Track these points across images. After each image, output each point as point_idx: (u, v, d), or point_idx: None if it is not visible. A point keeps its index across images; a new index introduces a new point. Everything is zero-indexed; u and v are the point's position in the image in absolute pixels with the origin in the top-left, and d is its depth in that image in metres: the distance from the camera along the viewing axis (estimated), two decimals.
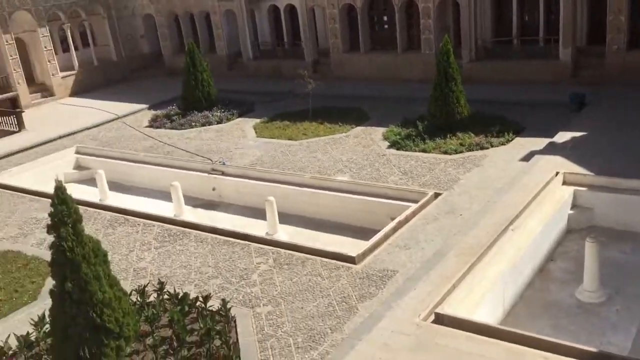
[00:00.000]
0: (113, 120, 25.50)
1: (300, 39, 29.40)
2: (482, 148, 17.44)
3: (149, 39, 34.51)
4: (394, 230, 13.18)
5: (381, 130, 20.21)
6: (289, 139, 20.45)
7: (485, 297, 10.79)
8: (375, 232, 13.35)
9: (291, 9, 29.68)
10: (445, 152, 17.45)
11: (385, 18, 27.60)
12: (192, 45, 24.57)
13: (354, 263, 11.98)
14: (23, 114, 25.53)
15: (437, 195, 14.78)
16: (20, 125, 24.88)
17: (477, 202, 14.11)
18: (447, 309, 9.88)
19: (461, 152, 17.35)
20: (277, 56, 30.29)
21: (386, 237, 12.92)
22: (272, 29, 30.98)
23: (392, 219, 13.81)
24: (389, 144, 18.91)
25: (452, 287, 10.50)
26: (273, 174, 17.45)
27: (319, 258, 12.37)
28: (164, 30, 33.22)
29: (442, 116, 18.50)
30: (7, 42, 27.96)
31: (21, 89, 28.66)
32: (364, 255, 12.19)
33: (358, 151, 18.66)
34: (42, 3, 29.20)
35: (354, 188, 15.92)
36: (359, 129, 20.81)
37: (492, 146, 17.50)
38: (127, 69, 33.50)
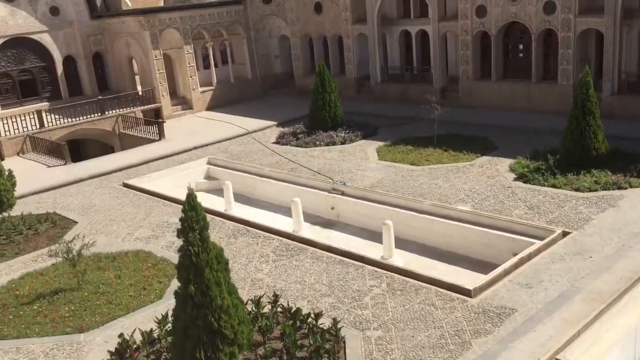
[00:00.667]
0: (243, 135, 26.68)
1: (429, 64, 29.22)
2: (619, 188, 16.24)
3: (282, 59, 35.88)
4: (515, 266, 12.57)
5: (508, 161, 19.47)
6: (411, 164, 20.27)
7: (613, 350, 9.95)
8: (495, 266, 12.81)
9: (422, 35, 29.62)
10: (578, 189, 16.44)
11: (520, 47, 26.69)
12: (323, 67, 25.19)
13: (470, 296, 11.55)
14: (164, 124, 27.45)
15: (565, 233, 13.93)
16: (161, 135, 26.74)
17: (610, 245, 13.12)
18: (569, 357, 9.21)
19: (595, 190, 16.26)
20: (405, 81, 30.26)
21: (506, 272, 12.35)
22: (402, 53, 31.08)
23: (514, 254, 13.18)
24: (515, 176, 18.16)
25: (577, 333, 9.80)
26: (392, 197, 17.35)
27: (433, 287, 12.08)
28: (297, 51, 34.40)
29: (577, 151, 17.49)
30: (156, 57, 30.31)
31: (164, 101, 30.86)
32: (481, 289, 11.72)
33: (482, 181, 18.08)
34: (189, 23, 31.39)
35: (475, 219, 15.41)
36: (484, 158, 20.19)
37: (631, 186, 16.25)
38: (261, 87, 35.00)
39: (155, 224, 17.14)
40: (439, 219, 15.83)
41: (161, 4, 33.78)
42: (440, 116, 21.93)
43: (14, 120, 26.18)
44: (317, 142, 24.02)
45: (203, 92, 32.52)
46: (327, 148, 23.47)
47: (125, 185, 21.13)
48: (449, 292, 11.81)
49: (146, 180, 21.59)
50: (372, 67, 30.94)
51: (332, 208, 18.25)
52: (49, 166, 24.04)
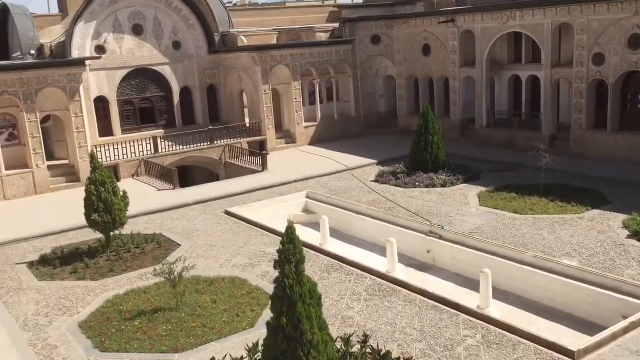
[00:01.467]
0: (343, 171, 26.93)
1: (539, 110, 28.28)
2: None
3: (386, 99, 36.08)
4: (625, 330, 11.66)
5: (621, 217, 18.28)
6: (514, 212, 19.52)
7: None
8: (601, 328, 11.97)
9: (533, 80, 28.81)
10: None
11: None
12: (427, 108, 25.06)
13: (573, 358, 10.81)
14: (268, 156, 28.27)
15: None
16: (264, 166, 27.56)
17: None
18: None
19: None
20: (512, 126, 29.41)
21: (614, 336, 11.48)
22: (510, 98, 30.34)
23: (625, 317, 12.25)
24: (629, 233, 16.98)
25: None
26: (492, 245, 16.73)
27: (532, 344, 11.43)
28: (402, 91, 34.50)
29: None
30: (265, 91, 31.47)
31: (270, 134, 31.85)
32: (586, 351, 10.95)
33: (591, 236, 17.06)
34: (299, 60, 32.41)
35: (581, 275, 14.51)
36: (594, 212, 19.08)
37: None
38: (363, 125, 35.30)
39: (253, 253, 17.54)
40: (541, 272, 15.04)
41: (274, 41, 35.09)
42: (548, 165, 21.08)
43: (132, 144, 27.95)
44: (417, 183, 23.76)
45: (307, 127, 33.25)
46: (426, 190, 23.15)
47: (227, 213, 21.86)
48: (549, 352, 11.12)
49: (247, 210, 22.23)
50: (478, 110, 30.39)
51: (428, 251, 17.87)
52: (159, 190, 25.38)
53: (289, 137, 33.06)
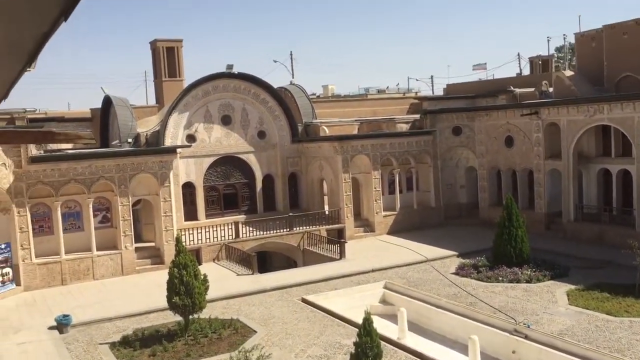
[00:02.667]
0: (422, 262, 26.42)
1: (631, 206, 26.97)
2: None
3: (467, 189, 35.67)
4: None
5: None
6: (607, 314, 18.29)
7: None
8: None
9: (624, 174, 27.71)
10: None
11: None
12: (511, 200, 24.52)
13: None
14: (345, 244, 28.28)
15: None
16: (342, 254, 27.53)
17: None
18: None
19: None
20: (602, 221, 28.14)
21: None
22: (599, 192, 29.21)
23: None
24: None
25: None
26: (585, 349, 15.63)
27: None
28: (484, 183, 34.06)
29: None
30: (345, 180, 31.97)
31: (348, 222, 31.99)
32: None
33: None
34: (379, 150, 32.91)
35: None
36: None
37: None
38: (443, 216, 34.85)
39: (328, 344, 17.22)
40: None
41: (355, 132, 35.96)
42: None
43: (214, 229, 28.81)
44: (500, 278, 22.90)
45: (386, 216, 33.20)
46: (510, 285, 22.22)
47: (304, 301, 21.77)
48: None
49: (323, 298, 22.07)
50: (565, 204, 29.37)
51: (514, 352, 16.90)
52: (238, 274, 25.77)
53: (367, 226, 33.04)
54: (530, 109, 30.70)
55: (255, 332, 18.61)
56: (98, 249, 26.36)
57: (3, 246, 24.11)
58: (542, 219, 30.46)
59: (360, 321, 18.80)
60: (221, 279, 24.81)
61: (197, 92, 32.78)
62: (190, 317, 18.69)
